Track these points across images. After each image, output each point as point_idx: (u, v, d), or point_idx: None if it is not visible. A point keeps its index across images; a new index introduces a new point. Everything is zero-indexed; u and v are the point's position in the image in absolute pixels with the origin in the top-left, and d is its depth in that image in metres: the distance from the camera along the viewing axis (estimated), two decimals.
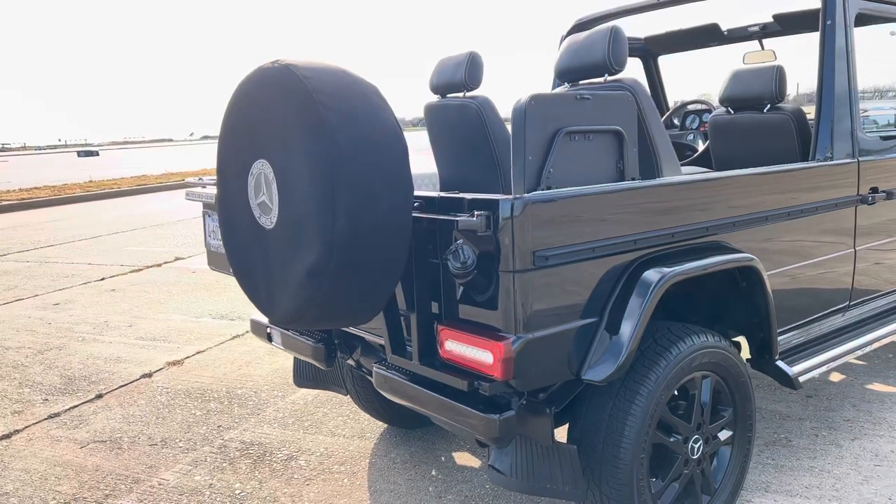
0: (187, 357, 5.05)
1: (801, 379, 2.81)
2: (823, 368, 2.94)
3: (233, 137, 2.25)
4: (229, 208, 2.34)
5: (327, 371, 3.40)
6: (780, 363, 2.79)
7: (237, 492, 3.12)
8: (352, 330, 2.78)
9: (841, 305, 3.22)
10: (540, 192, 2.07)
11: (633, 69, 4.72)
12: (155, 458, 3.48)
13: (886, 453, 3.17)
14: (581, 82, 2.74)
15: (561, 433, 2.35)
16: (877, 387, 3.94)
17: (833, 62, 3.03)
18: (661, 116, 4.79)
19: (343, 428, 3.74)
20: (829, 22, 3.04)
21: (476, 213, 1.96)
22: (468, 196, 2.07)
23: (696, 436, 2.49)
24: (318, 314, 2.03)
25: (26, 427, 3.95)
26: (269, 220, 2.13)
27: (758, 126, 3.28)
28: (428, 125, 3.56)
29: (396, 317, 2.36)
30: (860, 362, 4.33)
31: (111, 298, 7.05)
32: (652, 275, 2.19)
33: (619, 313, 2.18)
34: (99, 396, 4.37)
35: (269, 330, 3.04)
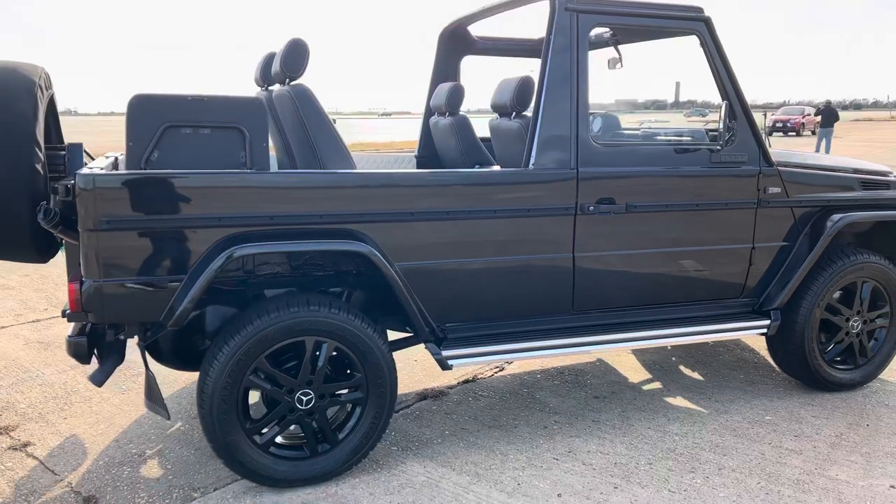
0: None
1: (451, 363, 3.11)
2: (485, 359, 3.19)
3: None
4: None
5: None
6: (428, 345, 3.11)
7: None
8: None
9: (561, 309, 3.37)
10: (112, 171, 2.67)
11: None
12: (56, 359, 4.55)
13: (582, 455, 3.30)
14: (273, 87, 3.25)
15: None
16: (676, 401, 3.92)
17: (546, 72, 3.18)
18: None
19: None
20: (550, 35, 3.19)
21: (62, 183, 2.64)
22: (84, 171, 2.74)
23: (308, 390, 2.95)
24: None
25: (10, 326, 5.25)
26: None
27: (509, 131, 3.50)
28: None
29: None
30: (699, 377, 4.26)
31: None
32: (219, 249, 2.71)
33: (196, 275, 2.73)
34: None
35: None
